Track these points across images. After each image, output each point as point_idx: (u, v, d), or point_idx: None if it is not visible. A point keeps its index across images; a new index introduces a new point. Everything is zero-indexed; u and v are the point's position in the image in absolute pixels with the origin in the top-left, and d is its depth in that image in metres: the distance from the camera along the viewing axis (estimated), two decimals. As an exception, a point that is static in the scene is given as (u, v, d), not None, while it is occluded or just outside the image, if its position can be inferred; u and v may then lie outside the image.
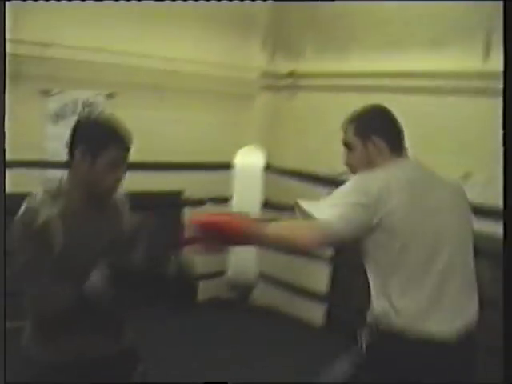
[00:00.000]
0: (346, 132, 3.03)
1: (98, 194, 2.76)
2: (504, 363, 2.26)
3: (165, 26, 6.59)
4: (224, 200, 6.59)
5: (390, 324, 2.73)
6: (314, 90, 7.01)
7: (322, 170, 6.75)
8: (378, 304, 2.78)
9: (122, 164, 2.77)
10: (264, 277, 6.67)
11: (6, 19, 2.58)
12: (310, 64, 7.02)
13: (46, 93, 6.22)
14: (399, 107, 6.07)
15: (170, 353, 5.78)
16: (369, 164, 2.91)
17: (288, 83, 7.23)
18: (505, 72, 2.39)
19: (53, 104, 6.28)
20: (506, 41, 2.39)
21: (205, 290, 7.06)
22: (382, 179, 2.78)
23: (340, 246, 2.68)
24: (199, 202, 6.81)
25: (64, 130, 6.23)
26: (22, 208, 2.65)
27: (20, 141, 5.93)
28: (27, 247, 2.58)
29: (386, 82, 6.12)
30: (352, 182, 2.84)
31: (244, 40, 7.28)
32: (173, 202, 7.06)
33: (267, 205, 6.49)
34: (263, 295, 7.07)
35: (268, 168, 6.43)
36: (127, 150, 2.79)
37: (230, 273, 6.31)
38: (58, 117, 6.32)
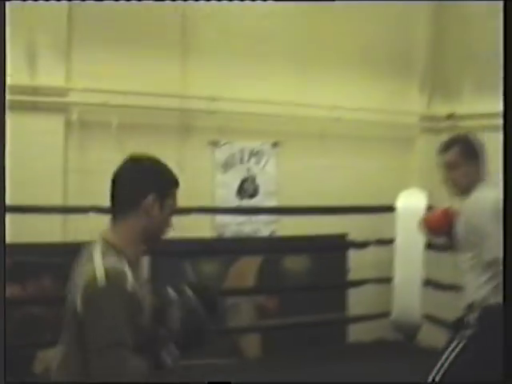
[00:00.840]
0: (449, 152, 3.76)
1: (158, 239, 2.61)
2: (504, 363, 2.33)
3: (325, 75, 6.84)
4: (387, 242, 6.70)
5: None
6: (473, 131, 7.00)
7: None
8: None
9: (175, 205, 2.62)
10: (429, 317, 6.68)
11: (6, 19, 2.56)
12: (468, 105, 7.02)
13: (215, 144, 6.59)
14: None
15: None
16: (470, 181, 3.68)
17: (447, 125, 7.26)
18: (505, 73, 2.53)
19: (221, 154, 6.65)
20: (507, 40, 2.51)
21: (370, 331, 7.24)
22: None
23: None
24: (363, 245, 6.92)
25: (232, 179, 6.64)
26: (106, 271, 2.35)
27: (192, 188, 6.31)
28: (121, 312, 2.33)
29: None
30: None
31: (402, 85, 7.41)
32: (337, 244, 7.23)
33: (431, 246, 6.53)
34: (429, 336, 7.05)
35: (430, 210, 6.48)
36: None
37: (394, 314, 6.39)
38: (226, 166, 6.66)
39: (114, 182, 2.54)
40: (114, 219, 2.53)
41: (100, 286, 2.32)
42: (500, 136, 6.67)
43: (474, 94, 6.98)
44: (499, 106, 6.64)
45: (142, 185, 2.51)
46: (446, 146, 3.85)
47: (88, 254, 2.45)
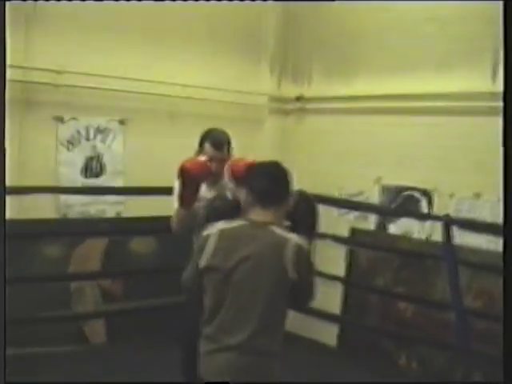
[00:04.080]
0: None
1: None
2: (504, 363, 2.27)
3: (176, 53, 6.67)
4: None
5: None
6: (321, 114, 7.08)
7: (331, 191, 6.79)
8: None
9: None
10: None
11: (5, 19, 2.66)
12: (317, 88, 7.10)
13: (59, 119, 6.31)
14: (405, 129, 6.11)
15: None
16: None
17: (296, 107, 7.31)
18: (505, 74, 2.43)
19: (65, 130, 6.37)
20: (507, 40, 2.41)
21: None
22: None
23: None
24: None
25: (76, 157, 6.38)
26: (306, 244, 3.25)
27: (34, 166, 6.02)
28: None
29: (393, 104, 6.17)
30: None
31: (253, 66, 7.39)
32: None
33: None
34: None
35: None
36: None
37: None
38: (71, 143, 6.40)
39: (268, 179, 3.38)
40: (266, 206, 3.29)
41: (308, 252, 3.21)
42: (349, 119, 6.81)
43: (324, 77, 7.04)
44: (345, 90, 6.78)
45: (289, 186, 3.46)
46: (221, 145, 4.79)
47: (253, 231, 3.18)
